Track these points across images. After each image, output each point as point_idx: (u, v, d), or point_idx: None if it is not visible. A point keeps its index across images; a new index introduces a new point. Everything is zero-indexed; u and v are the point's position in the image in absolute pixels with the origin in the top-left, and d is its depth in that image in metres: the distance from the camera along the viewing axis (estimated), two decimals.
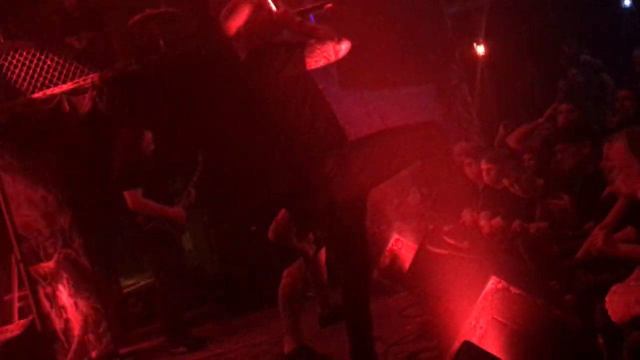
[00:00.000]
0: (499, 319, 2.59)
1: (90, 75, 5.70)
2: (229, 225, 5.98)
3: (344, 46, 2.87)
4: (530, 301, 2.60)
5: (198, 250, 6.73)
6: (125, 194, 4.75)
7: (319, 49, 2.83)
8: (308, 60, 2.84)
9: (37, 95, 5.61)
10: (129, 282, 6.55)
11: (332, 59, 2.87)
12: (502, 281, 2.62)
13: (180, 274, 5.06)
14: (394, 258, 4.54)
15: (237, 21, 3.00)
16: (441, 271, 3.20)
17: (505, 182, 4.31)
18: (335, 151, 2.90)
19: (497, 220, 4.22)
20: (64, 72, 5.70)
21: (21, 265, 4.60)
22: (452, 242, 3.05)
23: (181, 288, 5.05)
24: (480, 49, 6.54)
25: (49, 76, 5.69)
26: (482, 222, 4.30)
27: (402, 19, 6.30)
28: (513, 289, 2.61)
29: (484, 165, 4.40)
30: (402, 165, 3.06)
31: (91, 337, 5.11)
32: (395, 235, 4.67)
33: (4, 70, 5.57)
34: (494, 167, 4.33)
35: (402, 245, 4.57)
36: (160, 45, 5.74)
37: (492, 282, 2.61)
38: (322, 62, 2.87)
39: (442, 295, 3.10)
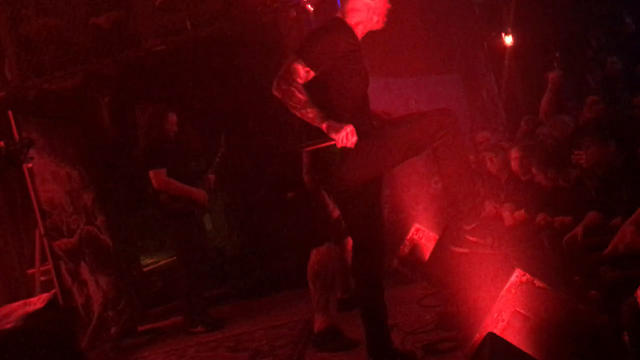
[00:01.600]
0: (522, 311, 2.57)
1: (117, 55, 5.74)
2: (250, 206, 6.01)
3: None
4: (554, 295, 2.57)
5: (218, 231, 6.77)
6: (150, 172, 4.78)
7: None
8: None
9: (64, 73, 5.68)
10: (150, 260, 6.61)
11: None
12: (527, 274, 2.59)
13: (201, 254, 5.09)
14: (414, 247, 4.53)
15: None
16: (463, 263, 3.17)
17: (534, 171, 4.25)
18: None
19: (521, 213, 4.19)
20: (92, 51, 5.74)
21: (45, 240, 4.64)
22: (474, 239, 3.01)
23: (202, 268, 5.08)
24: (508, 39, 6.44)
25: (76, 54, 5.74)
26: (506, 214, 4.27)
27: (429, 7, 6.24)
28: (537, 282, 2.58)
29: (514, 154, 4.35)
30: (413, 152, 3.02)
31: (110, 313, 5.18)
32: (416, 225, 4.65)
33: (34, 46, 5.62)
34: (525, 155, 4.28)
35: (422, 235, 4.56)
36: (187, 26, 5.75)
37: (517, 275, 2.59)
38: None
39: (463, 287, 3.08)
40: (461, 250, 3.10)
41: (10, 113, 4.63)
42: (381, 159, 2.92)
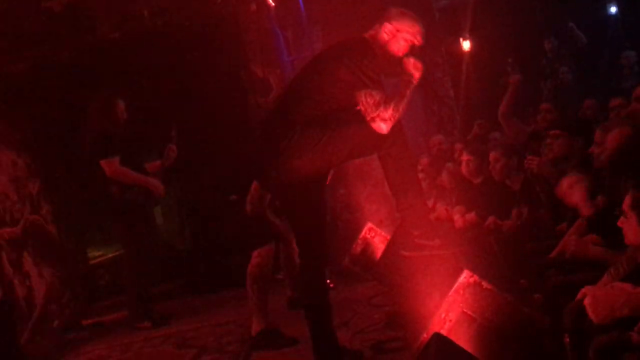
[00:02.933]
0: (469, 312, 2.60)
1: (69, 41, 5.57)
2: (202, 201, 5.92)
3: (383, 126, 2.84)
4: (500, 297, 2.62)
5: (168, 225, 6.65)
6: (102, 161, 4.64)
7: (371, 101, 2.81)
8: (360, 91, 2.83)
9: (13, 57, 5.47)
10: (97, 253, 6.44)
11: (367, 114, 2.83)
12: (475, 275, 2.63)
13: (149, 248, 4.99)
14: (366, 246, 4.54)
15: None
16: (412, 265, 3.20)
17: (482, 176, 4.32)
18: (298, 127, 2.89)
19: (472, 215, 4.25)
20: (43, 36, 5.54)
21: None
22: (423, 242, 3.05)
23: (149, 263, 4.98)
24: (465, 45, 6.54)
25: (26, 39, 5.54)
26: (457, 217, 4.33)
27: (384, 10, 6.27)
28: (485, 284, 2.62)
29: (464, 157, 4.41)
30: (357, 154, 3.08)
31: (54, 306, 5.02)
32: (369, 224, 4.67)
33: None
34: (474, 159, 4.34)
35: (375, 234, 4.57)
36: (144, 14, 5.62)
37: (465, 276, 2.62)
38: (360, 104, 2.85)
39: (412, 287, 3.10)
40: (410, 254, 3.13)
41: None
42: (327, 152, 2.92)
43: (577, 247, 2.87)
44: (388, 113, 2.82)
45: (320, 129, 2.89)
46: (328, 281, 4.63)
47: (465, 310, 2.60)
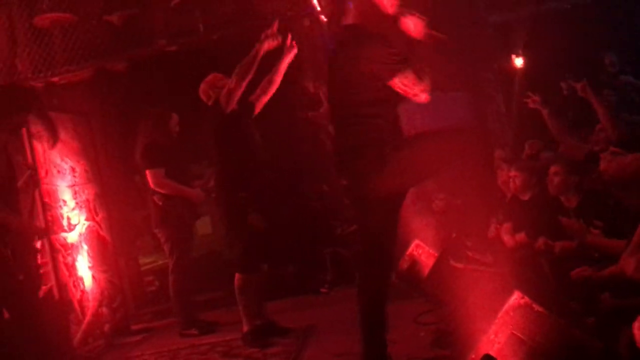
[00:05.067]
0: (519, 334, 2.57)
1: (128, 53, 5.76)
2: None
3: (423, 97, 2.90)
4: (551, 320, 2.57)
5: (217, 235, 6.76)
6: (148, 171, 4.81)
7: (407, 82, 2.86)
8: (394, 78, 2.87)
9: (74, 67, 5.70)
10: (148, 260, 6.60)
11: (408, 93, 2.90)
12: (525, 297, 2.59)
13: (191, 257, 5.09)
14: (413, 263, 4.52)
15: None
16: (462, 282, 3.17)
17: (530, 193, 4.23)
18: (376, 148, 2.91)
19: (522, 236, 4.16)
20: (103, 47, 5.76)
21: (46, 233, 4.64)
22: (475, 256, 3.01)
23: (192, 272, 5.09)
24: (518, 61, 6.44)
25: (87, 50, 5.76)
26: (506, 237, 4.25)
27: (441, 23, 6.23)
28: (536, 306, 2.58)
29: (512, 173, 4.33)
30: (440, 168, 3.06)
31: (105, 310, 5.17)
32: (416, 241, 4.65)
33: (46, 39, 5.65)
34: (522, 175, 4.26)
35: (422, 251, 4.55)
36: (199, 28, 5.76)
37: (515, 298, 2.58)
38: (397, 89, 2.90)
39: (461, 306, 3.07)
40: (460, 265, 3.11)
41: (18, 104, 4.65)
42: (408, 172, 2.95)
43: (635, 271, 2.78)
44: (425, 83, 2.88)
45: (397, 152, 2.93)
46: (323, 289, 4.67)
47: (514, 332, 2.57)
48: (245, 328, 4.29)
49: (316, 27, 5.47)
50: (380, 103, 2.97)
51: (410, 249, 4.56)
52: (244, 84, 3.36)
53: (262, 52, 3.36)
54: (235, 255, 4.24)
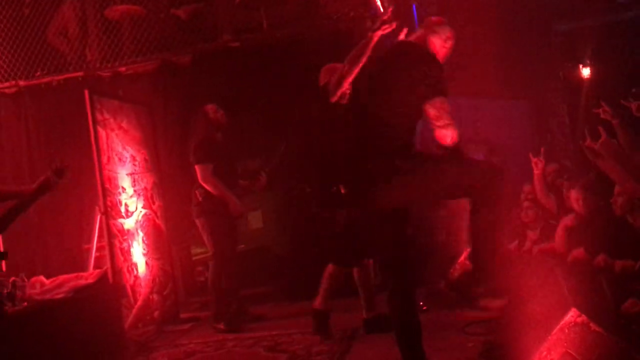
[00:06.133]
0: (573, 353, 2.48)
1: (192, 47, 5.89)
2: (302, 210, 6.02)
3: (450, 134, 2.87)
4: (609, 341, 2.47)
5: (267, 230, 6.80)
6: (197, 166, 4.93)
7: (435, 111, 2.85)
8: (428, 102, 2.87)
9: (141, 58, 5.87)
10: (199, 250, 6.70)
11: (439, 122, 2.87)
12: (583, 315, 2.50)
13: (232, 253, 5.16)
14: (464, 272, 4.44)
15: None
16: (514, 295, 3.09)
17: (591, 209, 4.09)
18: (399, 159, 2.91)
19: (580, 251, 4.04)
20: (169, 40, 5.91)
21: (103, 218, 4.79)
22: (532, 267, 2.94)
23: (236, 266, 5.16)
24: (585, 71, 6.25)
25: (153, 42, 5.92)
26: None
27: (506, 30, 6.12)
28: (593, 326, 2.49)
29: (573, 195, 4.21)
30: (451, 196, 3.05)
31: (156, 297, 5.29)
32: (468, 249, 4.56)
33: (115, 31, 5.83)
34: (584, 194, 4.13)
35: None
36: (263, 25, 5.83)
37: (572, 315, 2.50)
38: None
39: (514, 319, 3.00)
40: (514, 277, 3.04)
41: (86, 92, 4.81)
42: (422, 189, 2.93)
43: None
44: (445, 124, 2.84)
45: (413, 164, 2.92)
46: (421, 303, 4.60)
47: (569, 350, 2.49)
48: (365, 315, 4.39)
49: None
50: (408, 117, 2.98)
51: (461, 258, 4.48)
52: (356, 70, 3.31)
53: (376, 39, 3.31)
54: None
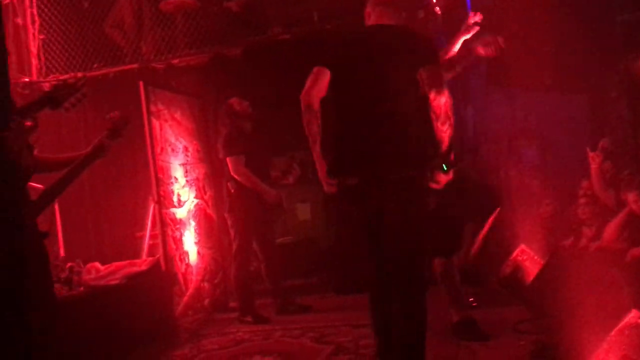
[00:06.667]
0: (633, 356, 2.39)
1: (243, 39, 5.92)
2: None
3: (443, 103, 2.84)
4: None
5: (315, 222, 6.83)
6: (228, 159, 4.99)
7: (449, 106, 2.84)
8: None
9: (194, 51, 5.95)
10: None
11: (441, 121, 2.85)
12: None
13: (266, 247, 5.21)
14: (517, 268, 4.35)
15: None
16: (571, 293, 3.00)
17: None
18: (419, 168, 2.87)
19: (638, 250, 3.89)
20: (220, 32, 5.96)
21: (156, 207, 4.89)
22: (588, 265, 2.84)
23: (278, 258, 5.25)
24: None
25: (205, 34, 5.98)
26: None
27: (565, 19, 5.91)
28: None
29: (631, 197, 4.05)
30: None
31: (207, 285, 5.38)
32: (522, 246, 4.46)
33: (169, 23, 5.92)
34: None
35: (527, 257, 4.37)
36: (314, 17, 5.82)
37: (632, 316, 2.41)
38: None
39: (568, 318, 2.91)
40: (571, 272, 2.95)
41: (140, 83, 4.91)
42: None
43: None
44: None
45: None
46: (471, 299, 4.51)
47: (628, 353, 2.39)
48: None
49: (430, 19, 5.36)
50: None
51: (514, 254, 4.39)
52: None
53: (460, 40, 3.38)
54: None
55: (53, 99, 2.88)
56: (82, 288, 4.21)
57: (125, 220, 5.94)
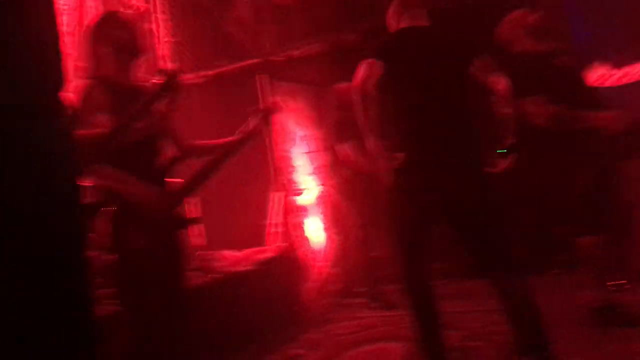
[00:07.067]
0: None
1: (356, 25, 5.89)
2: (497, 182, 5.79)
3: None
4: None
5: None
6: (336, 147, 4.94)
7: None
8: None
9: (311, 41, 6.01)
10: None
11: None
12: None
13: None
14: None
15: None
16: None
17: None
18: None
19: None
20: (334, 20, 5.97)
21: (281, 195, 5.01)
22: None
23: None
24: None
25: (320, 24, 6.02)
26: None
27: None
28: None
29: None
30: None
31: (334, 271, 5.43)
32: None
33: (285, 16, 6.03)
34: None
35: None
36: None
37: None
38: None
39: None
40: None
41: (260, 77, 5.04)
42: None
43: None
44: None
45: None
46: (624, 281, 4.15)
47: None
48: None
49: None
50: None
51: None
52: None
53: None
54: None
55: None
56: (215, 275, 4.42)
57: (254, 209, 6.15)
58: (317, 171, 5.50)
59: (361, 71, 3.04)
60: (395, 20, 3.28)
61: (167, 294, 2.52)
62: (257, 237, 5.74)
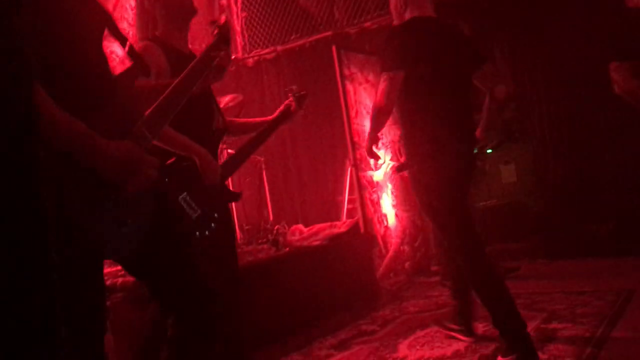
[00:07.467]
0: None
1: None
2: (560, 161, 5.49)
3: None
4: None
5: (521, 184, 6.38)
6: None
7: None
8: None
9: (384, 12, 5.84)
10: None
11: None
12: None
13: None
14: None
15: None
16: None
17: None
18: None
19: None
20: None
21: (353, 171, 4.92)
22: None
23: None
24: None
25: None
26: None
27: None
28: None
29: None
30: None
31: (406, 248, 5.31)
32: None
33: None
34: None
35: None
36: None
37: None
38: None
39: None
40: None
41: (334, 48, 4.94)
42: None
43: None
44: None
45: None
46: None
47: None
48: None
49: None
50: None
51: None
52: None
53: None
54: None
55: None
56: (287, 248, 4.40)
57: (325, 184, 6.11)
58: (389, 145, 5.36)
59: (382, 86, 2.89)
60: (400, 11, 3.10)
61: (222, 268, 2.49)
62: (332, 212, 5.70)
